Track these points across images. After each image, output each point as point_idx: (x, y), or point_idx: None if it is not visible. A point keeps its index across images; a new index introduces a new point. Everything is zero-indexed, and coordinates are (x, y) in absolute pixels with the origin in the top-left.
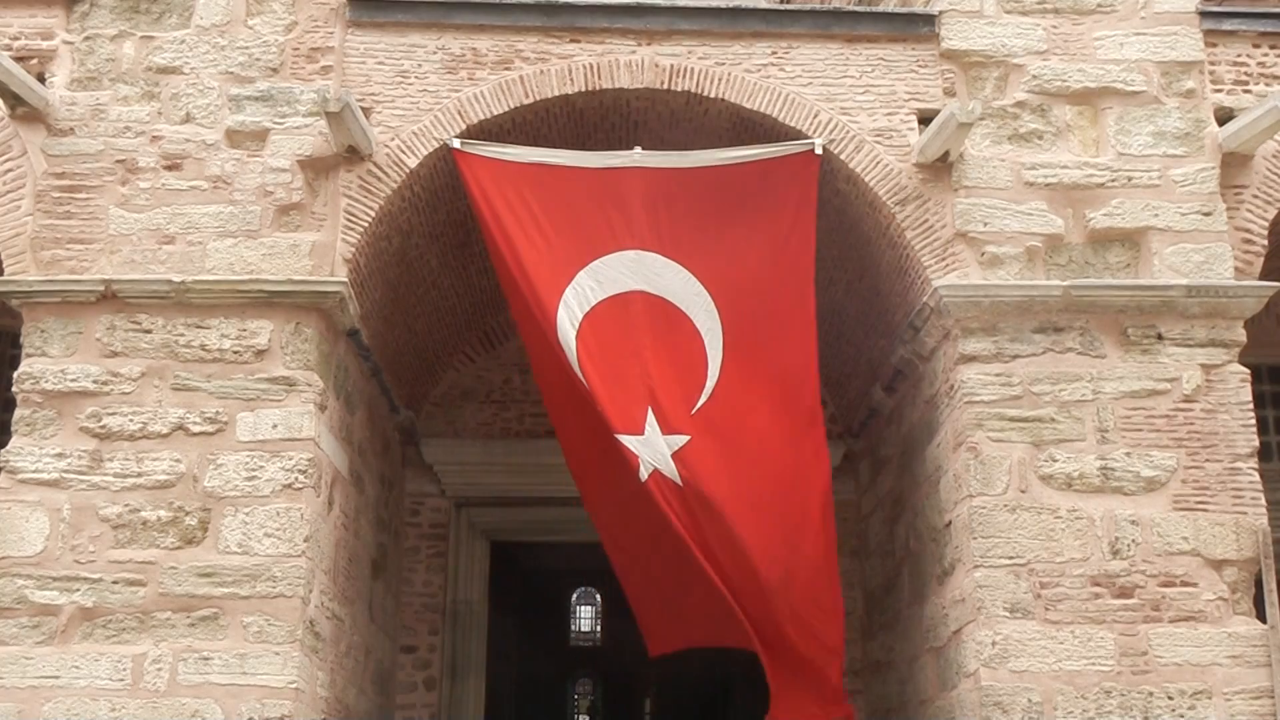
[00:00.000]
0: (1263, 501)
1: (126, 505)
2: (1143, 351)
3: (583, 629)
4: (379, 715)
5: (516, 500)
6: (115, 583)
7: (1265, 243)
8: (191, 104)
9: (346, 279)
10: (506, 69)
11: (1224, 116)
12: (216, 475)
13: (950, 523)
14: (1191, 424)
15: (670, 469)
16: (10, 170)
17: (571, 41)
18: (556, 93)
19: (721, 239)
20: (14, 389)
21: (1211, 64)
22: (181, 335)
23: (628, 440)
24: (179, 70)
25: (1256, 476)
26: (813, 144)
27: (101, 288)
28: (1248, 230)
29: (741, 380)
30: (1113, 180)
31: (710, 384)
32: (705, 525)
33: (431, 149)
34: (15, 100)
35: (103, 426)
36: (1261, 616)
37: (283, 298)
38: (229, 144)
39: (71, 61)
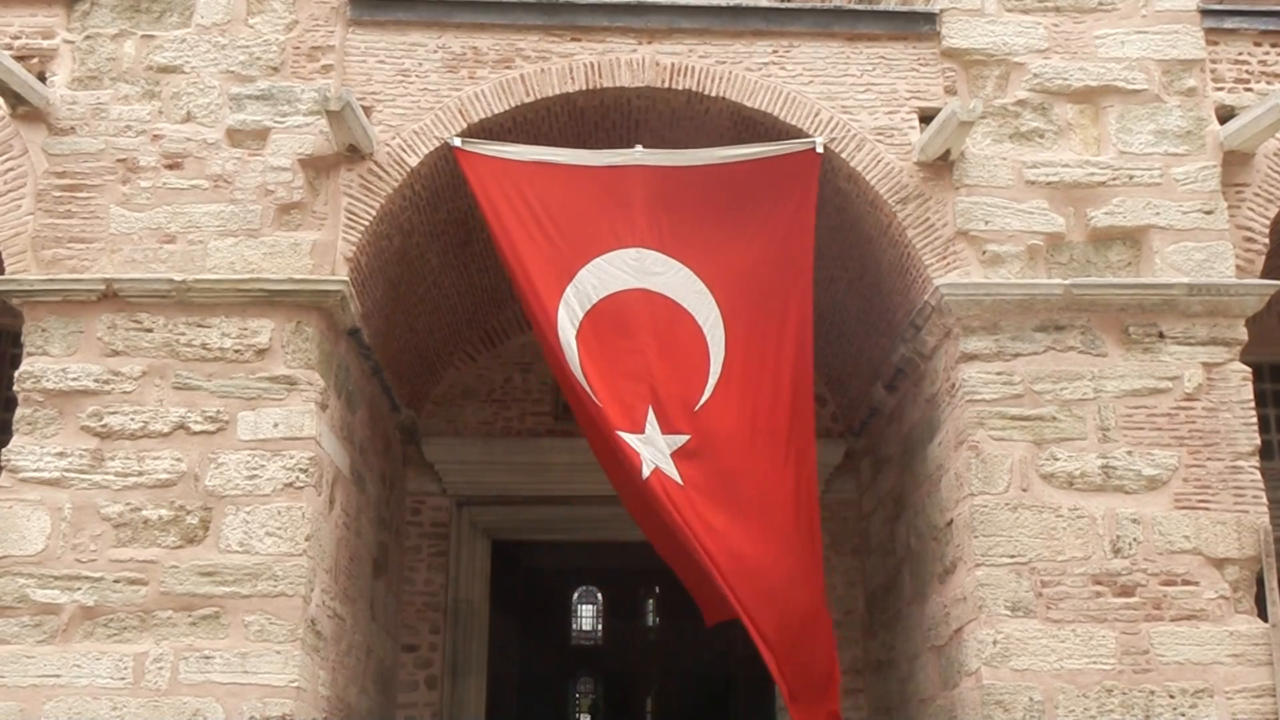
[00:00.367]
0: (1264, 500)
1: (128, 504)
2: (1144, 350)
3: (584, 628)
4: (380, 714)
5: (517, 499)
6: (116, 582)
7: (1266, 241)
8: (192, 103)
9: (347, 278)
10: (507, 68)
11: (1225, 115)
12: (218, 474)
13: (951, 521)
14: (1193, 422)
15: (671, 468)
16: (11, 169)
17: (572, 40)
18: (557, 91)
19: (722, 237)
20: (15, 388)
21: (1213, 62)
22: (182, 334)
23: (629, 439)
24: (180, 69)
25: (1258, 475)
26: (813, 142)
27: (102, 287)
28: (1249, 228)
29: (741, 379)
30: (1114, 179)
31: (712, 382)
32: (706, 524)
33: (432, 148)
34: (16, 99)
35: (104, 425)
36: (1263, 615)
37: (284, 297)
38: (230, 143)
39: (72, 60)
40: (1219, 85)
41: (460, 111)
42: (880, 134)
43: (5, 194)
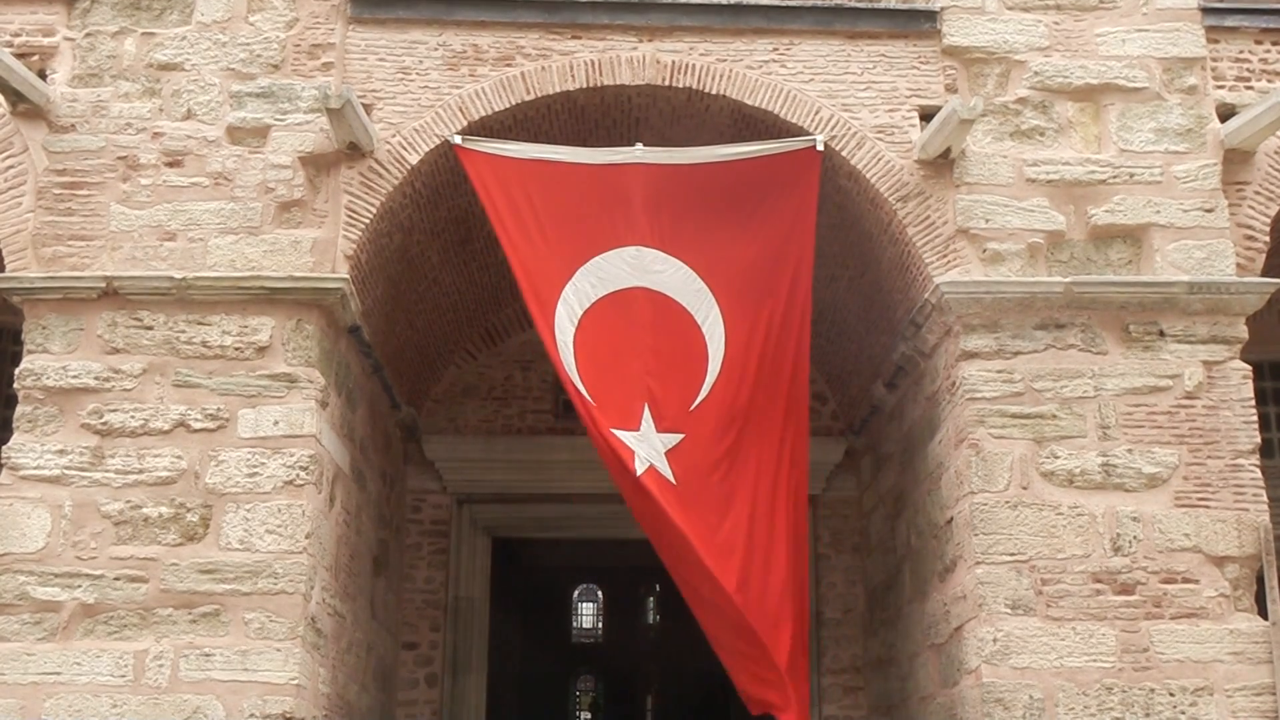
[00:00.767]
0: (1264, 498)
1: (128, 502)
2: (1144, 348)
3: (584, 625)
4: (380, 712)
5: (518, 497)
6: (117, 579)
7: (1267, 239)
8: (193, 100)
9: (348, 276)
10: (508, 65)
11: (1226, 113)
12: (218, 472)
13: (952, 519)
14: (1193, 420)
15: (664, 466)
16: (12, 167)
17: (573, 38)
18: (558, 89)
19: (722, 235)
20: (15, 385)
21: (1213, 60)
22: (183, 332)
23: (624, 436)
24: (180, 67)
25: (1258, 473)
26: (814, 140)
27: (103, 284)
28: (1249, 227)
29: (738, 377)
30: (1114, 177)
31: (709, 380)
32: (694, 522)
33: (433, 145)
34: (16, 97)
35: (104, 423)
36: (1263, 613)
37: (284, 294)
38: (230, 141)
39: (73, 58)
40: (1220, 83)
41: (461, 109)
42: (881, 132)
43: (6, 191)
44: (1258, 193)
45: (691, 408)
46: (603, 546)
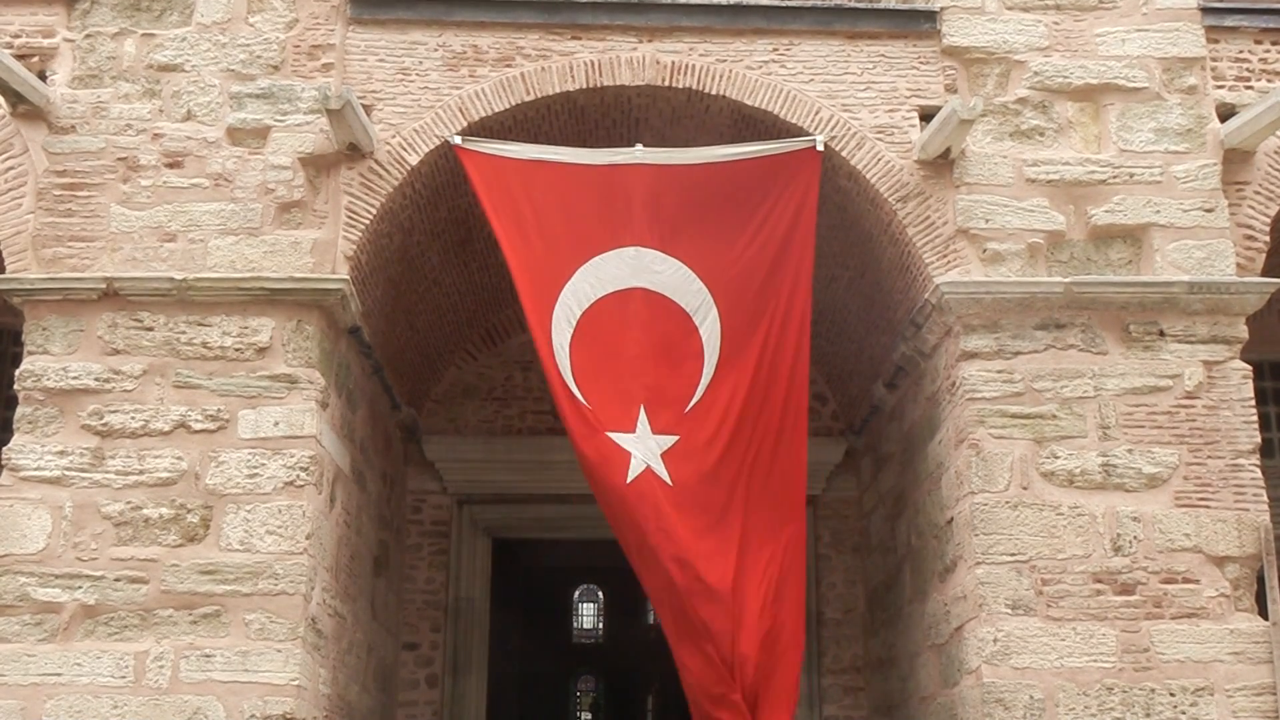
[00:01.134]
0: (1264, 498)
1: (128, 503)
2: (1144, 348)
3: (585, 626)
4: (381, 712)
5: (518, 497)
6: (117, 580)
7: (1267, 239)
8: (193, 101)
9: (348, 276)
10: (508, 66)
11: (1226, 113)
12: (218, 473)
13: (952, 519)
14: (1193, 420)
15: (661, 468)
16: (12, 168)
17: (573, 38)
18: (558, 90)
19: (722, 236)
20: (16, 386)
21: (1213, 60)
22: (183, 333)
23: (619, 438)
24: (180, 68)
25: (1258, 473)
26: (814, 141)
27: (103, 285)
28: (1249, 227)
29: (735, 379)
30: (1114, 177)
31: (705, 381)
32: (692, 524)
33: (433, 146)
34: (16, 98)
35: (104, 424)
36: (1263, 613)
37: (284, 295)
38: (230, 141)
39: (73, 59)
40: (1220, 83)
41: (461, 110)
42: (881, 132)
43: (6, 193)
44: (1257, 192)
45: (687, 409)
46: (603, 547)
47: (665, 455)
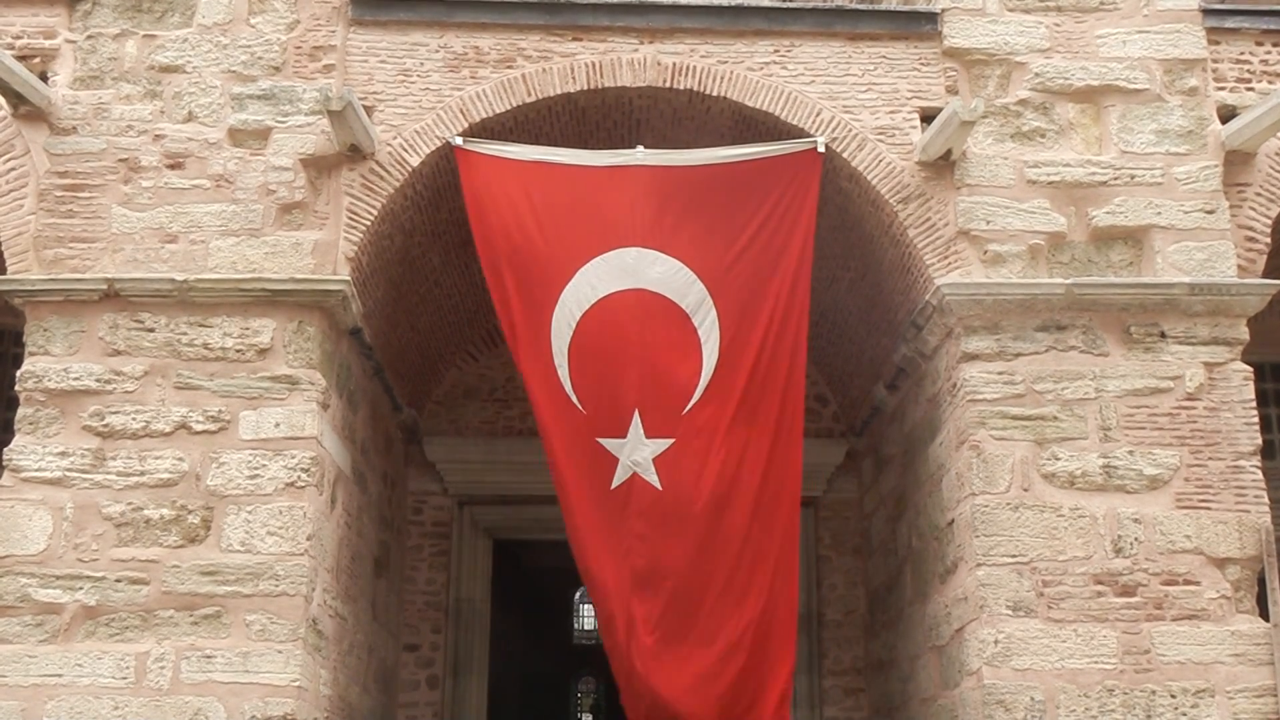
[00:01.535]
0: (1265, 499)
1: (129, 504)
2: (1145, 350)
3: (586, 627)
4: (382, 713)
5: (519, 498)
6: (118, 581)
7: (1268, 240)
8: (194, 103)
9: (349, 277)
10: (509, 67)
11: (1227, 114)
12: (219, 474)
13: (953, 521)
14: (1194, 422)
15: (651, 473)
16: (13, 169)
17: (574, 40)
18: (559, 91)
19: (722, 237)
20: (17, 387)
21: (1214, 61)
22: (184, 334)
23: (608, 443)
24: (181, 69)
25: (1259, 474)
26: (815, 142)
27: (104, 286)
28: (1250, 228)
29: (732, 380)
30: (1115, 178)
31: (703, 383)
32: (674, 531)
33: (434, 147)
34: (18, 99)
35: (105, 425)
36: (1264, 615)
37: (285, 296)
38: (231, 143)
39: (74, 60)
40: (1220, 85)
41: (462, 111)
42: (882, 134)
43: (7, 194)
44: (1259, 194)
45: (685, 410)
46: None
47: (657, 459)
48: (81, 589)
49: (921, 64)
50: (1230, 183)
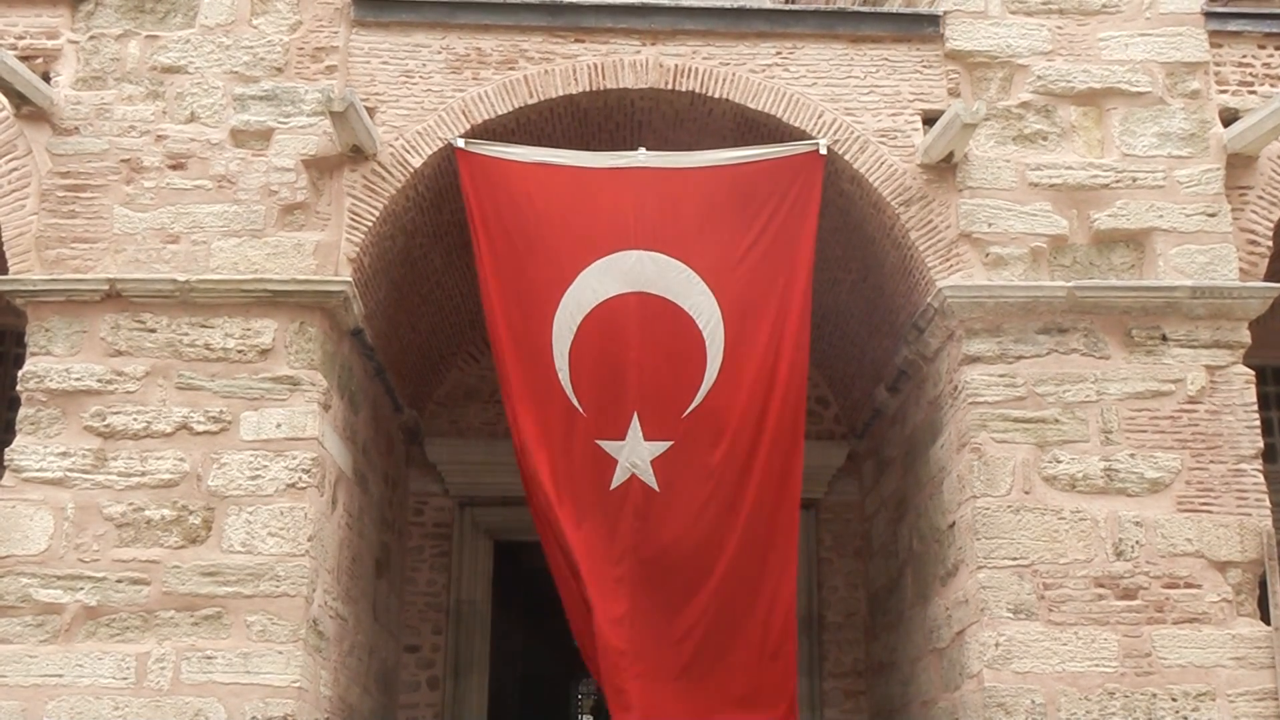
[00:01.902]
0: (1267, 503)
1: (130, 504)
2: (1147, 353)
3: None
4: (382, 714)
5: (520, 499)
6: (119, 581)
7: (1270, 244)
8: (196, 103)
9: (350, 278)
10: (511, 69)
11: (1229, 117)
12: (220, 474)
13: (954, 524)
14: (1196, 425)
15: (649, 475)
16: (15, 169)
17: (576, 41)
18: (561, 93)
19: (724, 239)
20: (19, 388)
21: (1216, 65)
22: (186, 334)
23: (607, 445)
24: (184, 70)
25: (1261, 478)
26: (817, 144)
27: (106, 287)
28: (1252, 231)
29: (734, 381)
30: (1117, 181)
31: (706, 385)
32: (668, 533)
33: (436, 149)
34: (20, 99)
35: (107, 425)
36: (1265, 618)
37: (287, 297)
38: (233, 143)
39: (76, 61)
40: (1223, 88)
41: (464, 112)
42: (884, 136)
43: (9, 194)
44: (1260, 197)
45: (686, 412)
46: None
47: (656, 461)
48: (82, 589)
49: (924, 66)
50: (1232, 186)
